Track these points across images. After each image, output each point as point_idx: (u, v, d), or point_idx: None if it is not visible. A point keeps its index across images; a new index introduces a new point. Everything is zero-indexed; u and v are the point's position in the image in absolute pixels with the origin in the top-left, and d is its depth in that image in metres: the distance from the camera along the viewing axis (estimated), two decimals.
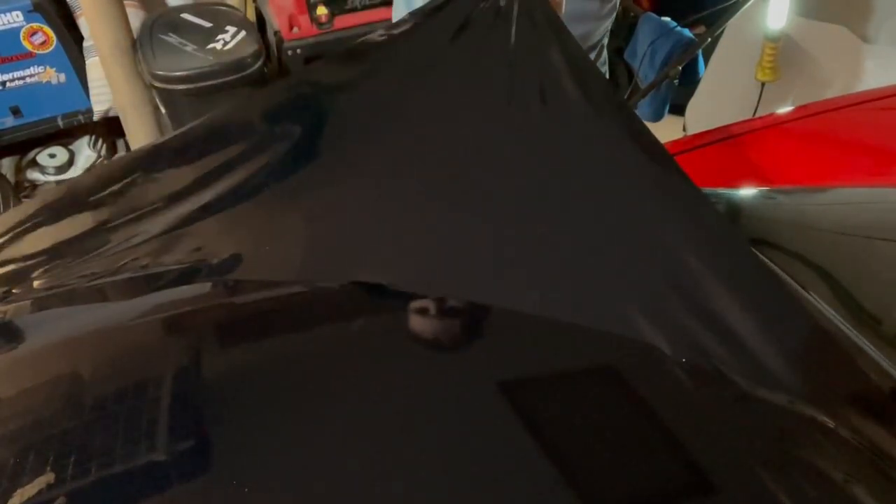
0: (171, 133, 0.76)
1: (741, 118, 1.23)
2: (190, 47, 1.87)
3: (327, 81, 0.75)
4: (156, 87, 1.87)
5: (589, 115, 0.64)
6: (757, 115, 1.99)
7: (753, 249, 0.61)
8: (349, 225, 0.63)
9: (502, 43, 0.67)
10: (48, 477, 0.44)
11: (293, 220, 0.65)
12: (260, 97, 0.74)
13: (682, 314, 0.54)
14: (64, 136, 2.28)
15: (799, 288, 0.60)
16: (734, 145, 1.10)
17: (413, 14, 0.70)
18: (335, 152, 0.67)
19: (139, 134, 2.03)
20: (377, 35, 0.70)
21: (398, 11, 1.07)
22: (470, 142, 0.64)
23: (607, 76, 1.32)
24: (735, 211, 0.88)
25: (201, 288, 0.60)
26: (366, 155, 0.66)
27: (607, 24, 1.12)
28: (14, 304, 0.62)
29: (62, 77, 2.11)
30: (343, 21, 1.99)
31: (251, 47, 1.89)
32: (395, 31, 0.70)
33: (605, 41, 1.17)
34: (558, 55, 0.66)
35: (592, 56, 1.14)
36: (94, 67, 2.05)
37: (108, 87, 2.00)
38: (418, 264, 0.59)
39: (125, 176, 0.73)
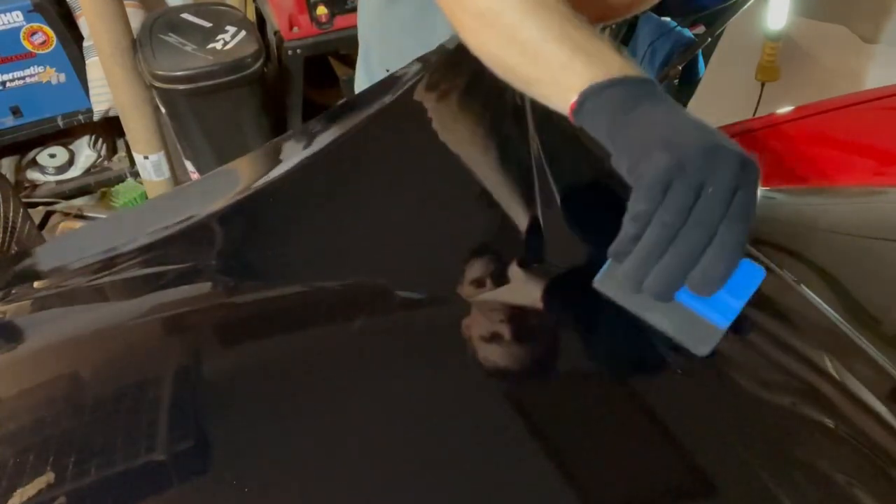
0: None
1: (741, 118, 1.23)
2: (190, 47, 1.87)
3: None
4: (156, 87, 1.87)
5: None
6: (757, 115, 1.99)
7: (753, 249, 0.61)
8: (352, 233, 0.63)
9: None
10: (48, 477, 0.44)
11: (296, 228, 0.66)
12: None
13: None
14: (64, 136, 2.28)
15: (799, 288, 0.60)
16: None
17: (424, 65, 0.76)
18: (340, 174, 0.70)
19: (139, 134, 2.03)
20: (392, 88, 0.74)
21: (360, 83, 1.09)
22: (476, 173, 0.67)
23: None
24: None
25: (201, 288, 0.60)
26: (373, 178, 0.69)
27: None
28: (14, 304, 0.62)
29: (62, 77, 2.11)
30: (343, 21, 1.98)
31: (251, 47, 1.89)
32: (407, 85, 0.73)
33: None
34: None
35: None
36: (94, 67, 2.05)
37: (108, 87, 2.00)
38: (419, 268, 0.59)
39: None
